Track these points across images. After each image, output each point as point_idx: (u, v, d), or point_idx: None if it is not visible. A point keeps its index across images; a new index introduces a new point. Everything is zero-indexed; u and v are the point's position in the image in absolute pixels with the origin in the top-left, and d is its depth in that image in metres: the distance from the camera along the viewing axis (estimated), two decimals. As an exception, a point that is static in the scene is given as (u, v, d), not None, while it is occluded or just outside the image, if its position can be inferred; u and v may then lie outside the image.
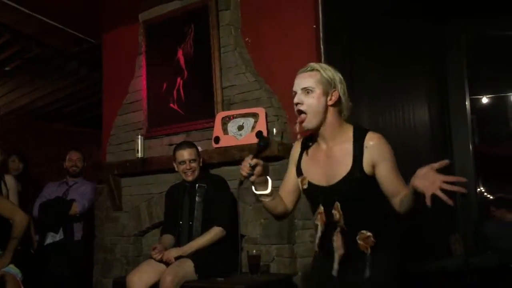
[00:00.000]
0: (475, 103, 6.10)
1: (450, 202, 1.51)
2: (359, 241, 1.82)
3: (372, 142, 1.82)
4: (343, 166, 1.83)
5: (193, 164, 3.10)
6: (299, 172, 1.96)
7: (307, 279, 2.76)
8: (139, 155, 3.78)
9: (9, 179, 3.73)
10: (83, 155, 4.40)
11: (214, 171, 3.38)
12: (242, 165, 1.85)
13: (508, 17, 4.51)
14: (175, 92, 3.79)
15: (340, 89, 1.88)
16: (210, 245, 2.93)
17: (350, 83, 3.44)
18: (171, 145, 3.74)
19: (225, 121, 3.42)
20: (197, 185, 3.10)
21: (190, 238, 2.99)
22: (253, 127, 3.29)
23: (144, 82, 3.95)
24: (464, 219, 4.15)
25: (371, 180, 1.81)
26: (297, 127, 1.90)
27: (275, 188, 1.95)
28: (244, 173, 1.84)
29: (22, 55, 5.22)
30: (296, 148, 2.02)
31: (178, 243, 3.04)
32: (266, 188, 1.89)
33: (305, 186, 1.92)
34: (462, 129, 4.71)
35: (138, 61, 4.05)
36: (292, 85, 3.19)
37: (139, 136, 3.82)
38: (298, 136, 1.98)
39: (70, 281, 3.99)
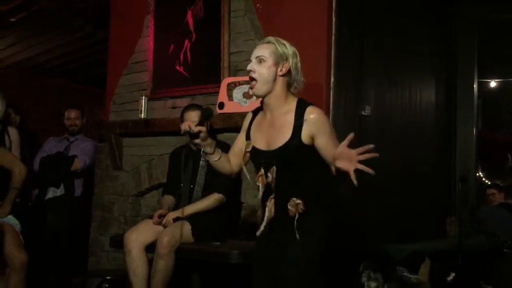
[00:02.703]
0: (482, 86, 6.04)
1: (371, 171, 1.70)
2: (289, 207, 1.99)
3: (312, 115, 1.98)
4: (283, 134, 1.99)
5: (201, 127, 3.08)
6: (247, 138, 2.13)
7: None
8: (142, 116, 3.77)
9: (13, 131, 3.72)
10: (82, 112, 4.36)
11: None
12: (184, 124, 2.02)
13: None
14: (182, 54, 3.75)
15: (292, 63, 2.03)
16: (209, 210, 2.95)
17: (359, 61, 3.44)
18: (174, 107, 3.73)
19: (230, 87, 3.38)
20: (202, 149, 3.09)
21: (190, 202, 3.00)
22: (258, 96, 3.26)
23: (151, 42, 3.91)
24: (461, 202, 4.17)
25: (308, 149, 1.98)
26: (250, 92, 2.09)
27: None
28: (182, 131, 2.01)
29: (28, 7, 5.15)
30: (248, 116, 2.19)
31: (178, 206, 3.05)
32: (213, 152, 2.07)
33: (248, 149, 2.09)
34: (468, 112, 4.68)
35: (146, 20, 3.99)
36: (300, 56, 3.17)
37: (143, 97, 3.80)
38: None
39: (68, 236, 4.04)
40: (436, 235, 3.79)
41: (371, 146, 1.71)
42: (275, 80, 2.01)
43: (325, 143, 1.95)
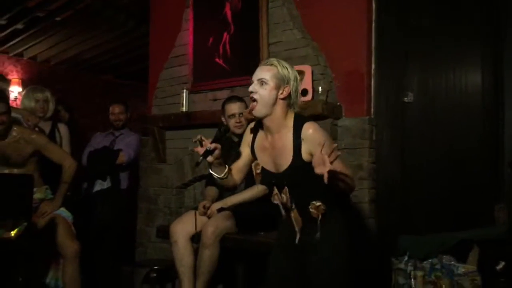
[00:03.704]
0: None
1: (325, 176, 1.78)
2: (311, 210, 2.07)
3: (308, 133, 2.01)
4: (286, 156, 2.05)
5: (242, 118, 3.10)
6: (254, 156, 2.21)
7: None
8: (184, 109, 3.83)
9: (63, 128, 3.88)
10: (126, 107, 4.47)
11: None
12: (199, 147, 2.04)
13: None
14: (221, 47, 3.77)
15: (292, 86, 2.08)
16: (252, 200, 2.97)
17: (400, 46, 3.35)
18: (215, 100, 3.76)
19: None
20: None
21: (233, 193, 3.03)
22: (298, 85, 3.25)
23: (190, 36, 3.95)
24: (510, 188, 4.01)
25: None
26: (248, 113, 2.15)
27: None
28: (200, 153, 2.02)
29: (73, 5, 5.30)
30: (248, 132, 2.25)
31: (221, 197, 3.10)
32: (221, 172, 2.14)
33: (258, 171, 2.16)
34: (516, 97, 4.48)
35: (185, 14, 4.03)
36: (340, 44, 3.14)
37: (184, 90, 3.86)
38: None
39: (116, 227, 4.17)
40: (484, 222, 3.67)
41: (335, 145, 1.79)
42: (275, 103, 2.06)
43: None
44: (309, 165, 1.96)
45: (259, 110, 2.06)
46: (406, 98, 3.29)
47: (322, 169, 1.77)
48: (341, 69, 3.30)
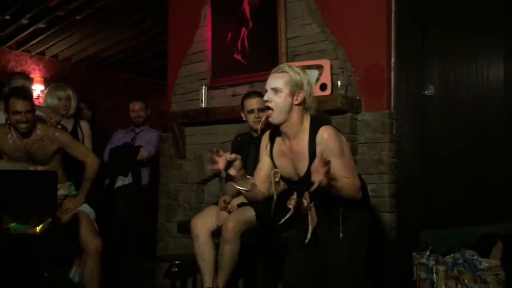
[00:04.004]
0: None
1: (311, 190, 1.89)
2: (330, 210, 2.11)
3: (322, 137, 2.03)
4: (303, 161, 2.07)
5: (262, 114, 3.10)
6: (273, 162, 2.21)
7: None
8: (203, 105, 3.85)
9: (85, 125, 3.93)
10: (146, 104, 4.52)
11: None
12: (217, 159, 2.03)
13: None
14: (239, 42, 3.78)
15: (306, 90, 2.09)
16: (271, 195, 2.98)
17: (421, 39, 3.31)
18: (234, 95, 3.77)
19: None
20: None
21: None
22: (317, 79, 3.23)
23: (209, 32, 3.96)
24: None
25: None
26: (263, 121, 2.17)
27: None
28: (221, 167, 2.01)
29: (92, 4, 5.37)
30: (265, 140, 2.26)
31: (240, 192, 3.10)
32: (245, 184, 2.12)
33: (277, 179, 2.16)
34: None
35: (203, 10, 4.05)
36: (359, 37, 3.11)
37: (203, 87, 3.87)
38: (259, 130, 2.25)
39: (137, 223, 4.22)
40: (508, 217, 3.62)
41: (326, 157, 1.85)
42: (291, 109, 2.07)
43: (333, 164, 1.97)
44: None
45: (275, 117, 2.07)
46: (426, 91, 3.26)
47: (316, 177, 1.83)
48: (360, 62, 3.28)
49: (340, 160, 2.03)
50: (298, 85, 2.08)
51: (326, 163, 1.83)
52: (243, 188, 2.13)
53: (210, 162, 2.06)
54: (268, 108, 2.07)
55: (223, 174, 2.03)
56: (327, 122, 2.15)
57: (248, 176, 2.19)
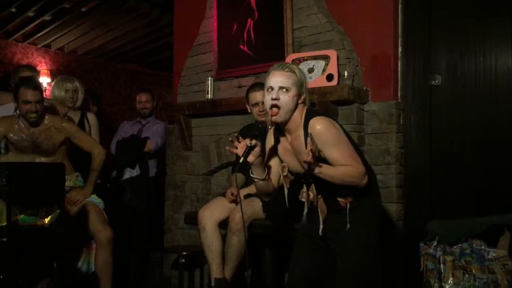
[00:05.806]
0: None
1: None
2: (339, 199, 2.12)
3: (313, 130, 2.03)
4: (303, 153, 2.02)
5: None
6: (281, 160, 2.24)
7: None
8: (209, 96, 3.85)
9: (91, 117, 3.95)
10: (152, 96, 4.52)
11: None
12: (237, 146, 2.04)
13: None
14: (245, 33, 3.76)
15: (306, 89, 2.15)
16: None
17: (428, 28, 3.29)
18: (240, 87, 3.77)
19: (295, 63, 3.37)
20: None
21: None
22: (323, 70, 3.22)
23: (214, 23, 3.95)
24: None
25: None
26: (269, 118, 2.14)
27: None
28: (240, 153, 2.02)
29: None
30: (270, 137, 2.28)
31: (247, 183, 3.11)
32: (262, 173, 2.12)
33: (285, 173, 2.18)
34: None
35: (209, 1, 4.03)
36: (366, 27, 3.07)
37: (209, 78, 3.87)
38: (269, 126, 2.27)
39: (145, 214, 4.24)
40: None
41: (316, 144, 1.89)
42: (296, 108, 2.11)
43: (328, 155, 2.03)
44: (323, 159, 2.03)
45: (282, 115, 2.09)
46: (434, 81, 3.24)
47: (305, 157, 1.88)
48: (367, 53, 3.26)
49: (337, 148, 2.04)
50: (303, 85, 2.13)
51: (313, 143, 1.89)
52: (259, 177, 2.14)
53: (230, 147, 2.08)
54: (274, 106, 2.08)
55: (241, 160, 2.01)
56: (319, 113, 2.16)
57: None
